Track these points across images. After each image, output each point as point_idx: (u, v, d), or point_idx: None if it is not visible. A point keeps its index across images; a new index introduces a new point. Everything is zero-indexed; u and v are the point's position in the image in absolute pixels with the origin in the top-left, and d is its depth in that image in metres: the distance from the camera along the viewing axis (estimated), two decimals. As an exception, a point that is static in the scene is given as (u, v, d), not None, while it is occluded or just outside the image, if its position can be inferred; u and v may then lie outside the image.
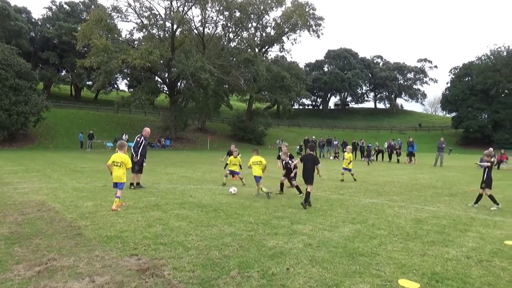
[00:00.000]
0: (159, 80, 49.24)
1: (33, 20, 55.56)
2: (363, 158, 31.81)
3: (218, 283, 4.15)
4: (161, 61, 41.53)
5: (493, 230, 6.98)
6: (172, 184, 12.28)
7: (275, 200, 9.68)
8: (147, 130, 11.67)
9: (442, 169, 22.88)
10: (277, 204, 9.06)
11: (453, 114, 62.80)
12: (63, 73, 58.47)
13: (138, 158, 11.09)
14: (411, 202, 9.99)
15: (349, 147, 16.81)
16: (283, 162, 11.68)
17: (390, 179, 15.65)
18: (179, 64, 38.29)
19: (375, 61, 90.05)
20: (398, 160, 29.23)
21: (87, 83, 57.40)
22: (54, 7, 56.13)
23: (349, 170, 14.87)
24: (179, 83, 48.23)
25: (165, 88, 48.22)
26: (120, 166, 8.07)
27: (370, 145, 32.42)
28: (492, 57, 59.31)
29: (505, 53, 57.71)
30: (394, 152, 30.13)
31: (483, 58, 60.88)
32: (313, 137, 37.50)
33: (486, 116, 56.90)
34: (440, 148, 25.86)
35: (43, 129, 38.32)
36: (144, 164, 11.58)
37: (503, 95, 56.70)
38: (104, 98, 61.85)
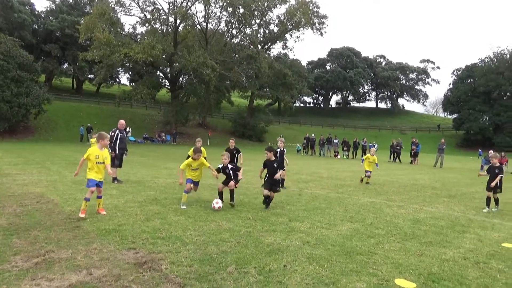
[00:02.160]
0: (161, 74, 49.19)
1: (36, 12, 55.39)
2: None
3: (215, 278, 4.16)
4: (163, 56, 41.48)
5: (491, 232, 6.98)
6: (171, 179, 12.30)
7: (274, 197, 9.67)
8: (121, 122, 11.43)
9: (442, 170, 22.88)
10: (275, 201, 9.07)
11: (455, 115, 62.72)
12: (65, 66, 58.39)
13: (117, 152, 10.98)
14: (410, 202, 9.99)
15: (373, 149, 15.39)
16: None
17: (390, 179, 15.65)
18: (181, 59, 38.24)
19: (377, 61, 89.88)
20: (400, 160, 29.30)
21: (89, 76, 57.36)
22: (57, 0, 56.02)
23: (369, 172, 13.53)
24: (180, 78, 48.20)
25: (167, 83, 48.20)
26: (103, 163, 6.87)
27: (371, 144, 32.39)
28: (495, 60, 59.15)
29: (508, 56, 57.54)
30: (395, 152, 30.15)
31: (486, 61, 60.71)
32: (313, 134, 37.48)
33: (487, 118, 56.83)
34: (440, 149, 25.86)
35: (44, 122, 38.33)
36: (125, 156, 11.52)
37: (504, 98, 56.61)
38: (106, 91, 61.83)
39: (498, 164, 9.44)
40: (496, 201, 9.12)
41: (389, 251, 5.46)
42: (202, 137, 44.52)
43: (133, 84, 55.28)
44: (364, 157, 14.17)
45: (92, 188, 6.66)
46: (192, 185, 8.17)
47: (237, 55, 44.93)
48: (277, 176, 8.22)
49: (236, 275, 4.27)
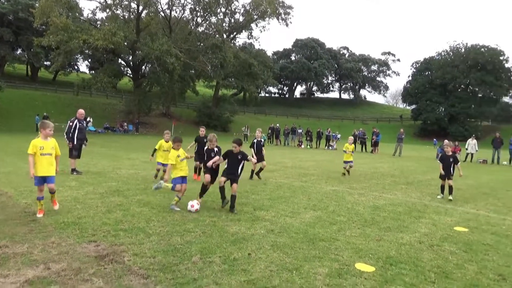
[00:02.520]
0: (123, 62, 47.62)
1: (-15, -7, 51.78)
2: (326, 147, 32.53)
3: (180, 268, 4.14)
4: (125, 43, 40.10)
5: (444, 217, 7.38)
6: (134, 170, 12.02)
7: (238, 187, 9.69)
8: (80, 111, 10.98)
9: (401, 158, 23.82)
10: (240, 190, 9.09)
11: (413, 106, 65.22)
12: (18, 52, 55.05)
13: (75, 143, 10.52)
14: (370, 190, 10.35)
15: (351, 137, 14.86)
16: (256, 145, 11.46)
17: (352, 168, 16.08)
18: (144, 47, 37.15)
19: (341, 52, 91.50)
20: (366, 149, 30.19)
21: (45, 63, 54.43)
22: (9, -20, 52.54)
23: (351, 162, 13.27)
24: (143, 67, 46.91)
25: (129, 71, 46.74)
26: (51, 155, 6.09)
27: (334, 134, 33.12)
28: (451, 53, 61.91)
29: (463, 50, 60.35)
30: (358, 141, 31.03)
31: (443, 54, 63.40)
32: (277, 125, 37.82)
33: (443, 109, 59.53)
34: (399, 138, 26.86)
35: (-4, 110, 36.19)
36: (84, 147, 11.12)
37: (459, 90, 59.48)
38: (63, 79, 59.02)
39: (451, 153, 9.78)
40: (450, 188, 9.41)
41: (350, 237, 5.65)
42: (167, 127, 43.90)
43: (93, 72, 53.20)
44: (344, 148, 13.49)
45: (41, 187, 5.96)
46: (182, 185, 6.99)
47: (202, 44, 44.23)
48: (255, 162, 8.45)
49: (201, 265, 4.27)
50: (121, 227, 5.55)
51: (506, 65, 56.95)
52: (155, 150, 10.14)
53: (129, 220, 5.93)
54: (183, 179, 7.04)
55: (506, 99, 65.23)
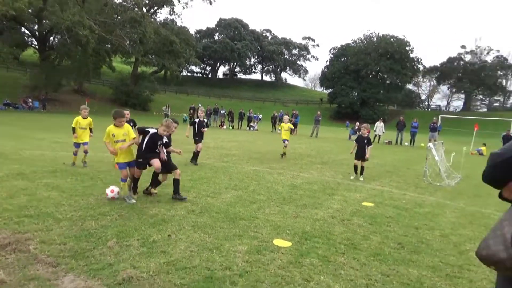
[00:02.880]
0: (27, 32, 42.70)
1: None
2: (248, 127, 33.03)
3: (94, 254, 3.93)
4: (30, 10, 35.89)
5: (354, 194, 8.00)
6: (41, 151, 11.02)
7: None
8: None
9: (317, 140, 25.13)
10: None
11: (330, 90, 68.81)
12: None
13: None
14: (289, 169, 10.78)
15: (286, 117, 14.99)
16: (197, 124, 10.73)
17: (272, 148, 16.59)
18: (52, 16, 33.60)
19: (264, 35, 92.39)
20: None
21: None
22: None
23: (286, 141, 13.52)
24: (52, 38, 42.57)
25: (34, 42, 42.14)
26: None
27: (256, 115, 33.68)
28: (365, 42, 66.21)
29: (375, 39, 64.87)
30: (278, 122, 31.95)
31: (357, 42, 67.50)
32: (199, 104, 37.32)
33: (356, 94, 63.74)
34: (316, 120, 28.24)
35: None
36: None
37: (370, 76, 64.08)
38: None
39: (367, 135, 10.05)
40: (362, 169, 9.96)
41: (269, 215, 5.85)
42: (79, 104, 40.73)
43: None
44: (279, 127, 13.56)
45: None
46: (128, 170, 6.23)
47: (119, 17, 41.29)
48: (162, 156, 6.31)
49: (118, 249, 4.10)
50: (26, 213, 5.08)
51: (411, 55, 62.56)
52: (74, 129, 9.02)
53: (35, 206, 5.44)
54: (128, 163, 6.22)
55: (409, 86, 72.18)
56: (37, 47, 41.39)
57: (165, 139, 6.38)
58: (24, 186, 6.51)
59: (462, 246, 5.04)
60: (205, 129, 10.99)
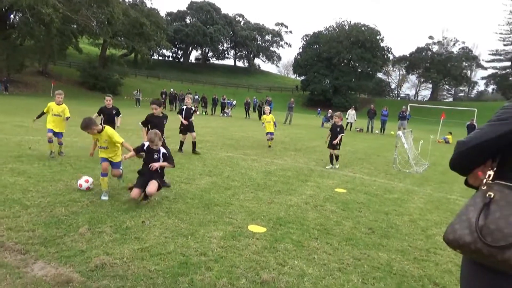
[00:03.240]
0: (-16, 8, 40.25)
1: None
2: (221, 113, 32.82)
3: (65, 241, 3.83)
4: (-13, -15, 33.81)
5: (327, 180, 8.14)
6: (4, 135, 10.53)
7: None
8: None
9: (291, 126, 25.32)
10: (134, 158, 8.67)
11: (302, 77, 69.20)
12: None
13: None
14: (263, 156, 10.83)
15: (268, 107, 14.24)
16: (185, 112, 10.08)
17: (245, 135, 16.58)
18: (12, -8, 31.83)
19: (237, 19, 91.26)
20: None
21: None
22: None
23: (272, 133, 12.96)
24: (12, 16, 40.33)
25: (-7, 20, 39.79)
26: None
27: (229, 101, 33.50)
28: (337, 29, 66.68)
29: (347, 27, 65.47)
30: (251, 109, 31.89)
31: (330, 29, 67.87)
32: (172, 89, 36.65)
33: (328, 81, 64.40)
34: (290, 107, 28.41)
35: None
36: None
37: (342, 64, 64.85)
38: None
39: (340, 123, 10.01)
40: (336, 157, 9.96)
41: (244, 201, 5.87)
42: (44, 87, 39.11)
43: None
44: (262, 120, 12.43)
45: None
46: (107, 164, 5.62)
47: (85, -4, 39.60)
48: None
49: (90, 236, 4.01)
50: (-10, 199, 4.86)
51: (382, 44, 63.67)
52: (42, 113, 8.30)
53: (0, 192, 5.21)
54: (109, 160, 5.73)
55: (380, 75, 73.71)
56: (-4, 25, 39.13)
57: (162, 151, 5.57)
58: (-13, 172, 6.22)
59: (429, 231, 5.26)
60: (191, 119, 10.12)
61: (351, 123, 26.37)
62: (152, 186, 5.19)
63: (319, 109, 49.97)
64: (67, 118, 8.27)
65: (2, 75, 36.44)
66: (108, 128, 5.58)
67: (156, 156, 5.49)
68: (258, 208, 5.58)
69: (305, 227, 4.93)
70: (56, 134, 8.08)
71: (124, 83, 48.03)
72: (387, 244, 4.59)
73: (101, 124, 6.63)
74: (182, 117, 10.09)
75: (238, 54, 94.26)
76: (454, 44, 69.76)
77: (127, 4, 46.93)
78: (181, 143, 10.27)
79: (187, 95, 10.51)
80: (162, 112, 7.44)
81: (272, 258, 3.87)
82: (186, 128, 10.09)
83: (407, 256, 4.27)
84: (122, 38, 47.32)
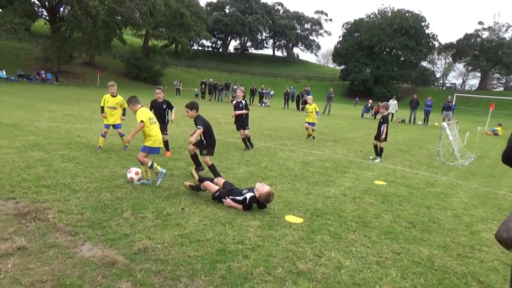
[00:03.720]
0: (36, 2, 42.45)
1: None
2: (259, 103, 32.86)
3: (110, 224, 4.03)
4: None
5: (366, 172, 7.98)
6: (55, 123, 11.15)
7: (171, 143, 9.50)
8: None
9: (330, 117, 24.94)
10: (173, 146, 8.93)
11: (342, 66, 67.69)
12: None
13: None
14: (301, 146, 10.77)
15: (310, 97, 13.91)
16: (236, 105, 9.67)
17: (283, 125, 16.54)
18: (61, -14, 33.32)
19: (276, 8, 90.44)
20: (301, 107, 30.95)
21: None
22: None
23: (313, 124, 12.67)
24: (61, 9, 42.24)
25: (44, 13, 41.89)
26: None
27: (267, 91, 33.47)
28: (379, 16, 64.44)
29: (390, 14, 63.06)
30: (290, 99, 31.71)
31: (371, 16, 65.73)
32: (211, 79, 37.10)
33: (369, 70, 62.64)
34: (329, 97, 27.96)
35: None
36: None
37: (384, 53, 62.74)
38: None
39: (385, 114, 9.49)
40: (380, 150, 9.54)
41: (281, 191, 5.89)
42: (91, 77, 40.86)
43: (0, 10, 46.85)
44: (305, 110, 12.43)
45: None
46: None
47: (129, -12, 40.71)
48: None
49: (133, 220, 4.20)
50: (44, 183, 5.19)
51: (427, 31, 60.85)
52: (102, 107, 8.07)
53: (52, 176, 5.56)
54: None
55: (424, 63, 70.56)
56: (47, 18, 41.19)
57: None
58: (40, 157, 6.63)
59: (474, 227, 5.04)
60: (240, 111, 9.46)
61: (392, 114, 25.54)
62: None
63: (356, 99, 48.78)
64: (124, 111, 8.17)
65: (52, 66, 38.46)
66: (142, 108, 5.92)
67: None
68: (295, 198, 5.58)
69: (342, 219, 4.88)
70: (114, 126, 7.97)
71: (165, 73, 49.23)
72: (428, 239, 4.46)
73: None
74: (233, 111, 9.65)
75: (276, 44, 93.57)
76: (506, 30, 65.39)
77: (168, -5, 47.75)
78: (243, 140, 9.56)
79: (239, 88, 9.79)
80: (163, 99, 7.96)
81: (308, 249, 3.88)
82: (240, 124, 9.48)
83: (450, 252, 4.13)
84: (163, 29, 48.35)
